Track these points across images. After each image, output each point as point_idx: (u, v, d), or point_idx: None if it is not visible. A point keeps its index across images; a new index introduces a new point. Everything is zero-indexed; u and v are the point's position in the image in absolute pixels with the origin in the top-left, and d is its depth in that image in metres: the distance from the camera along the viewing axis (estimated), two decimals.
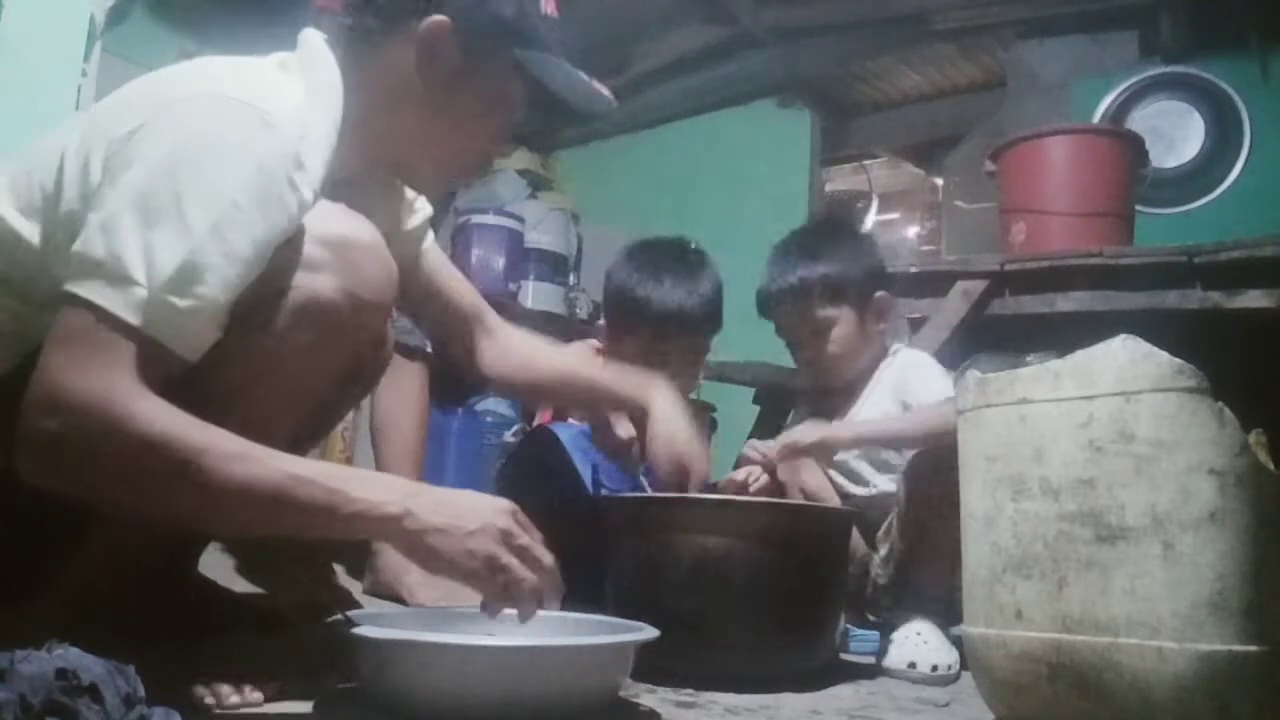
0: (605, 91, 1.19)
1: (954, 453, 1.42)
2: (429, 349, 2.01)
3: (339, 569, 1.93)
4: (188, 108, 0.92)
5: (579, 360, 1.53)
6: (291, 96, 1.01)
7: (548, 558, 0.99)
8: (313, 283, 0.97)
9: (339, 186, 1.06)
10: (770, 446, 1.59)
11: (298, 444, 1.00)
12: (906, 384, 1.69)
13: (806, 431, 1.62)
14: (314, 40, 1.10)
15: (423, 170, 1.21)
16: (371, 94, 1.10)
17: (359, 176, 1.13)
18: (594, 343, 1.91)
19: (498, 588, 0.96)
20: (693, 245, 1.85)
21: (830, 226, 1.85)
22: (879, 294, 1.76)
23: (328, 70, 1.07)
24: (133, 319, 0.85)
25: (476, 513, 0.96)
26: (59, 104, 1.98)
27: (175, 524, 0.97)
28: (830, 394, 1.81)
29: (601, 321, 1.85)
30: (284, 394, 0.99)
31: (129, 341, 0.85)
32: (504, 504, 0.99)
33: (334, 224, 1.00)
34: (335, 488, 0.90)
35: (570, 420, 1.79)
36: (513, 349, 1.46)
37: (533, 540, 0.98)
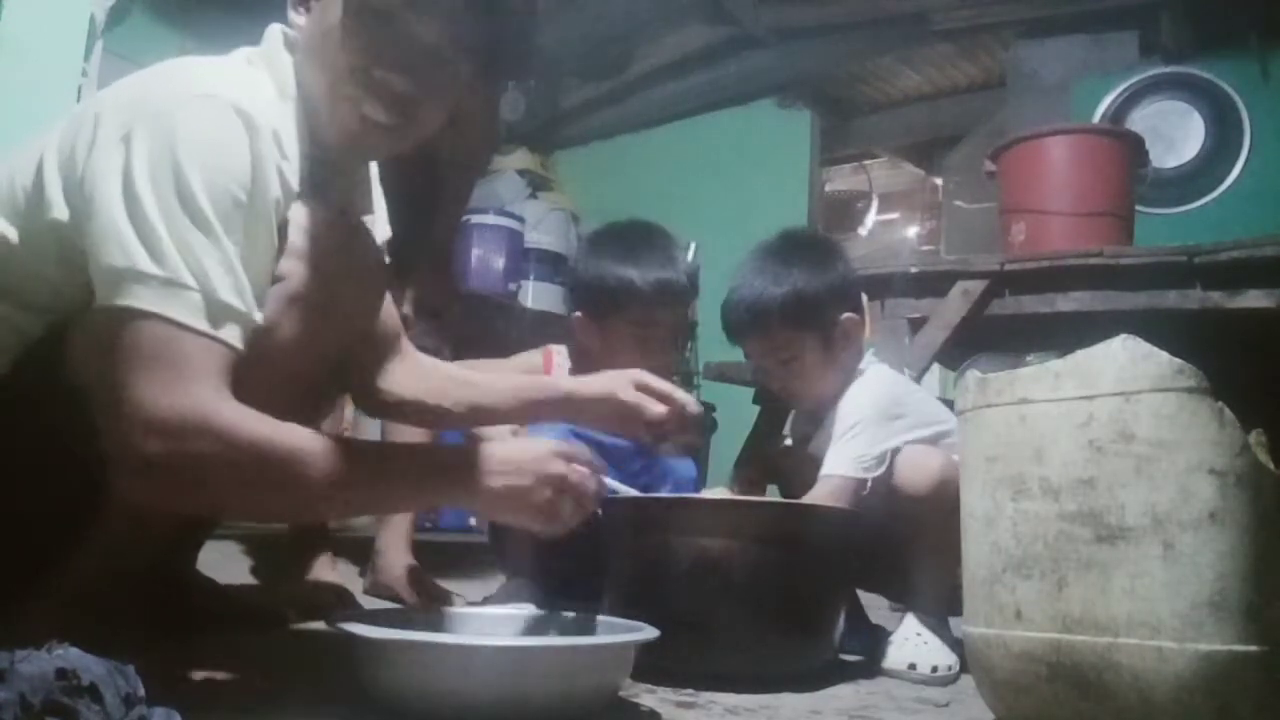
0: None
1: (942, 451, 1.45)
2: (445, 353, 2.02)
3: (340, 569, 1.93)
4: (176, 111, 0.92)
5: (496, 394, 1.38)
6: (264, 92, 1.03)
7: (592, 484, 1.07)
8: (300, 271, 0.99)
9: (321, 180, 1.07)
10: None
11: None
12: (835, 432, 1.58)
13: None
14: (273, 35, 1.11)
15: (328, 130, 1.09)
16: (299, 66, 1.09)
17: (334, 173, 1.13)
18: (552, 348, 1.86)
19: (554, 522, 1.05)
20: (651, 223, 1.84)
21: (796, 245, 1.71)
22: (845, 316, 1.65)
23: (282, 60, 1.08)
24: (199, 324, 0.87)
25: (532, 466, 1.03)
26: (59, 104, 1.98)
27: (270, 520, 1.01)
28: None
29: (577, 314, 1.80)
30: (275, 382, 0.99)
31: (200, 347, 0.87)
32: (552, 448, 1.05)
33: (317, 215, 1.02)
34: (410, 468, 0.99)
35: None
36: (426, 372, 1.35)
37: (582, 473, 1.06)
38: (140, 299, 0.86)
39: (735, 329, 1.69)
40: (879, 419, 1.56)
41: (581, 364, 1.81)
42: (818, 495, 1.52)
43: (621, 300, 1.72)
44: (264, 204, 0.93)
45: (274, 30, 1.11)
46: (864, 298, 1.82)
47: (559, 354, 1.85)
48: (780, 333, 1.63)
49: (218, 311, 0.88)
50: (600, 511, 1.09)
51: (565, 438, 1.53)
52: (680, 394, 1.21)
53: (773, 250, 1.70)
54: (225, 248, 0.89)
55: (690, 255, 4.69)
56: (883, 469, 1.52)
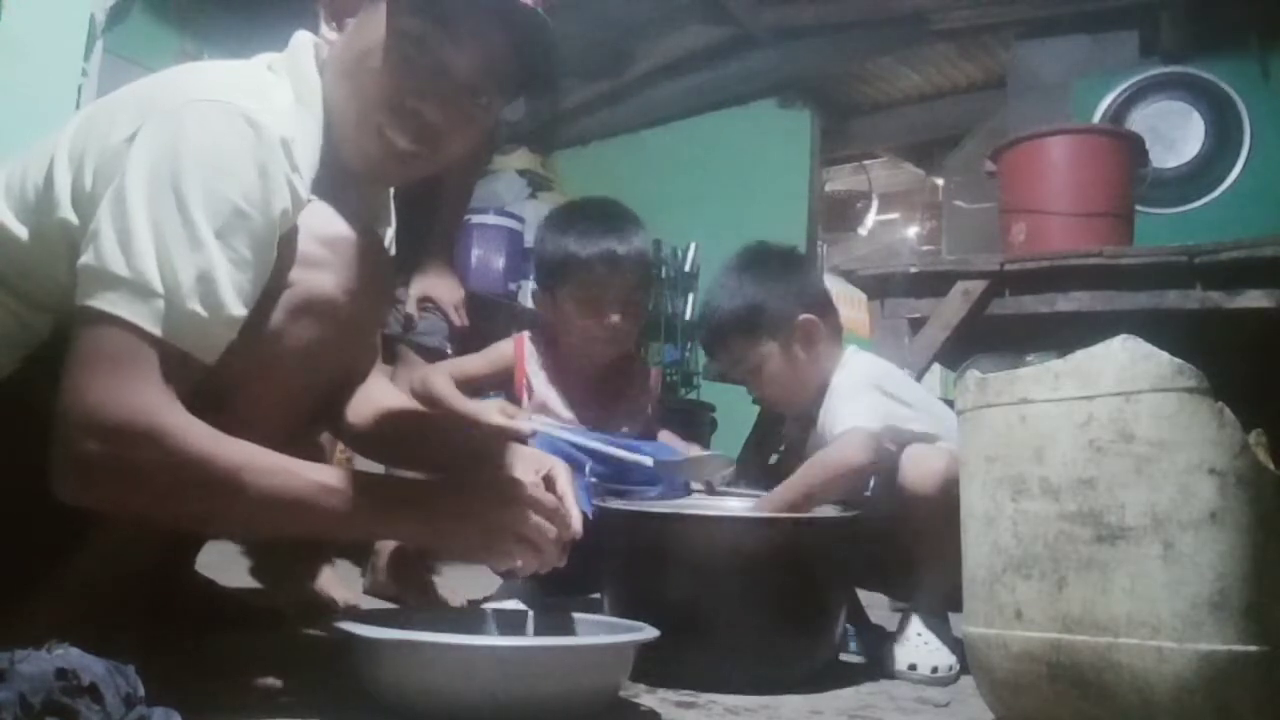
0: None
1: (945, 453, 1.44)
2: (449, 351, 2.02)
3: (340, 569, 1.93)
4: (182, 115, 0.91)
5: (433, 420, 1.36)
6: (281, 99, 1.02)
7: (558, 521, 1.03)
8: (312, 279, 0.98)
9: (337, 189, 1.06)
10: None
11: (292, 441, 1.00)
12: (829, 422, 1.59)
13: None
14: (300, 41, 1.10)
15: (350, 150, 1.09)
16: (328, 84, 1.08)
17: (350, 182, 1.12)
18: (524, 334, 1.87)
19: (508, 563, 1.03)
20: (609, 200, 1.87)
21: (748, 259, 1.75)
22: (802, 318, 1.66)
23: (308, 71, 1.07)
24: (159, 331, 0.86)
25: (487, 509, 1.00)
26: (59, 104, 1.98)
27: (211, 533, 0.99)
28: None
29: (535, 289, 1.86)
30: (281, 390, 1.00)
31: (158, 355, 0.86)
32: (511, 488, 1.02)
33: (331, 223, 1.01)
34: (359, 501, 0.94)
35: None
36: (373, 398, 1.26)
37: (543, 509, 1.02)
38: (104, 301, 0.85)
39: (704, 345, 1.78)
40: (872, 388, 1.59)
41: (550, 347, 1.83)
42: (842, 445, 1.49)
43: (566, 271, 1.74)
44: (267, 214, 0.92)
45: (303, 38, 1.09)
46: (842, 298, 1.81)
47: (530, 343, 1.85)
48: (737, 344, 1.68)
49: (181, 320, 0.86)
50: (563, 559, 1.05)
51: (548, 445, 1.52)
52: (573, 512, 1.08)
53: (731, 266, 1.75)
54: (210, 256, 0.87)
55: (690, 255, 4.70)
56: (892, 446, 1.51)
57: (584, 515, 1.56)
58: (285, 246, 0.96)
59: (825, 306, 1.72)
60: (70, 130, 0.97)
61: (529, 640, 1.08)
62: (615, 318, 1.74)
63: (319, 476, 0.93)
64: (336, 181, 1.07)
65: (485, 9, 1.05)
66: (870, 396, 1.58)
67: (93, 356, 0.85)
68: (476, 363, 1.84)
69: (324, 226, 1.00)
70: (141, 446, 0.84)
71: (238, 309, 0.90)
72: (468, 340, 2.12)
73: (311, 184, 1.01)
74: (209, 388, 0.91)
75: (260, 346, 0.95)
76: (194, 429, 0.87)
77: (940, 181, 5.07)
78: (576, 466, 1.62)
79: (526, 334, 1.87)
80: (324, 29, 1.08)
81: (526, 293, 4.07)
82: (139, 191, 0.87)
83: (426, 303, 2.03)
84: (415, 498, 1.00)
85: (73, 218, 0.92)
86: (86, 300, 0.86)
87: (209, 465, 0.87)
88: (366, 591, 1.92)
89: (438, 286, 2.05)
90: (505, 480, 1.03)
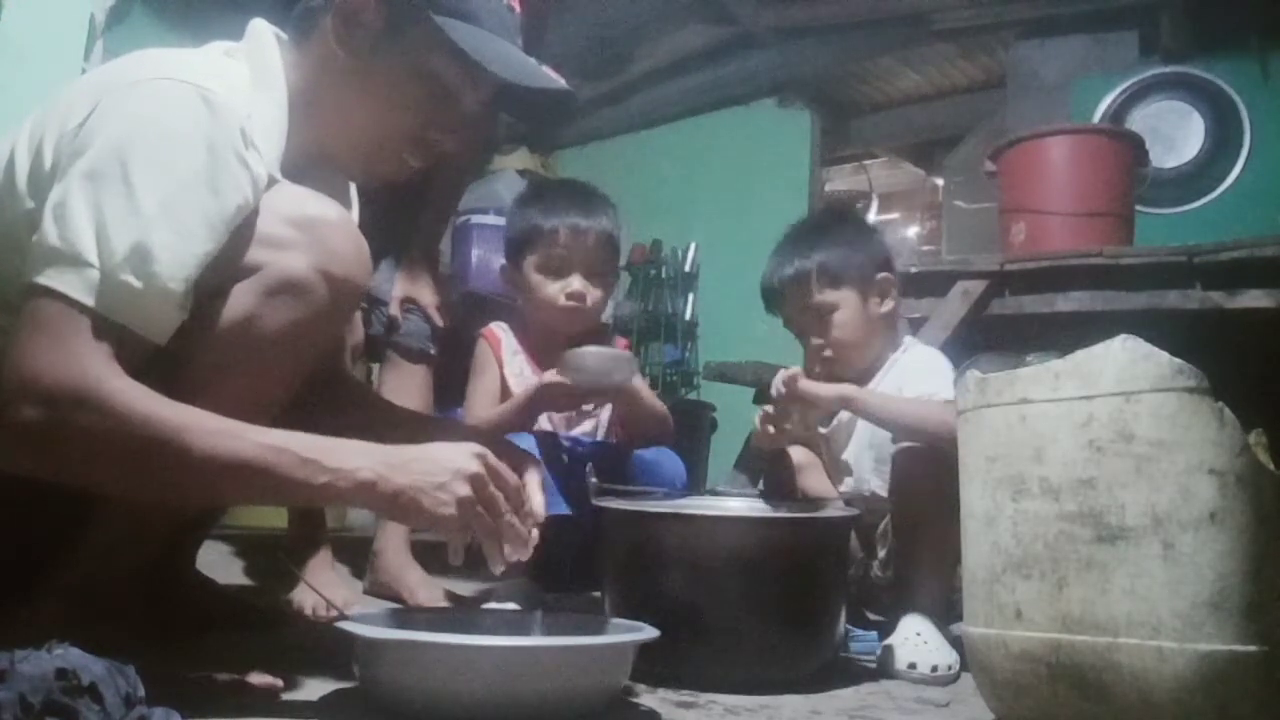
0: (557, 78, 1.12)
1: (943, 451, 1.44)
2: (433, 352, 2.02)
3: (338, 569, 1.93)
4: (132, 93, 0.92)
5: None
6: (237, 80, 1.02)
7: (517, 500, 1.01)
8: (284, 261, 0.97)
9: (299, 175, 1.06)
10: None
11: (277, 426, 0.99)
12: (907, 384, 1.64)
13: (829, 386, 1.57)
14: (259, 28, 1.10)
15: (350, 157, 1.14)
16: (304, 71, 1.08)
17: (314, 168, 1.11)
18: (493, 325, 1.88)
19: (471, 534, 0.99)
20: (575, 180, 1.93)
21: (830, 217, 1.81)
22: (881, 275, 1.72)
23: (269, 55, 1.07)
24: (91, 302, 0.86)
25: (444, 464, 0.96)
26: None
27: (156, 499, 0.97)
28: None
29: (503, 264, 1.87)
30: (261, 375, 0.98)
31: (93, 325, 0.86)
32: (472, 449, 0.99)
33: (302, 204, 1.00)
34: (310, 458, 0.92)
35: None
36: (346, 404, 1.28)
37: (503, 483, 0.99)
38: (42, 275, 0.87)
39: (776, 292, 1.75)
40: (950, 372, 1.65)
41: (521, 329, 1.84)
42: (948, 411, 1.37)
43: (531, 240, 1.77)
44: (215, 190, 0.91)
45: (261, 26, 1.10)
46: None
47: (501, 330, 1.86)
48: (819, 289, 1.69)
49: (114, 292, 0.86)
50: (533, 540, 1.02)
51: (534, 446, 1.52)
52: (535, 498, 1.07)
53: (809, 224, 1.82)
54: (147, 226, 0.87)
55: (690, 255, 4.70)
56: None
57: (575, 515, 1.57)
58: (253, 227, 0.96)
59: (897, 276, 1.78)
60: (27, 126, 0.98)
61: (529, 640, 1.08)
62: (578, 284, 1.75)
63: (266, 438, 0.91)
64: (298, 165, 1.07)
65: (518, 78, 1.08)
66: (949, 374, 1.63)
67: (31, 327, 0.86)
68: (476, 385, 1.83)
69: (293, 207, 0.99)
70: (79, 411, 0.85)
71: (176, 283, 0.89)
72: (463, 341, 2.12)
73: (277, 163, 1.02)
74: (188, 376, 0.91)
75: (235, 331, 0.94)
76: (134, 392, 0.87)
77: (940, 181, 5.07)
78: (575, 470, 1.63)
79: (494, 324, 1.87)
80: (332, 41, 1.07)
81: None
82: (84, 167, 0.88)
83: (409, 304, 2.02)
84: (367, 455, 0.95)
85: (32, 204, 0.93)
86: (30, 276, 0.87)
87: (150, 427, 0.86)
88: (366, 591, 1.92)
89: (419, 288, 2.04)
90: (465, 447, 0.99)
